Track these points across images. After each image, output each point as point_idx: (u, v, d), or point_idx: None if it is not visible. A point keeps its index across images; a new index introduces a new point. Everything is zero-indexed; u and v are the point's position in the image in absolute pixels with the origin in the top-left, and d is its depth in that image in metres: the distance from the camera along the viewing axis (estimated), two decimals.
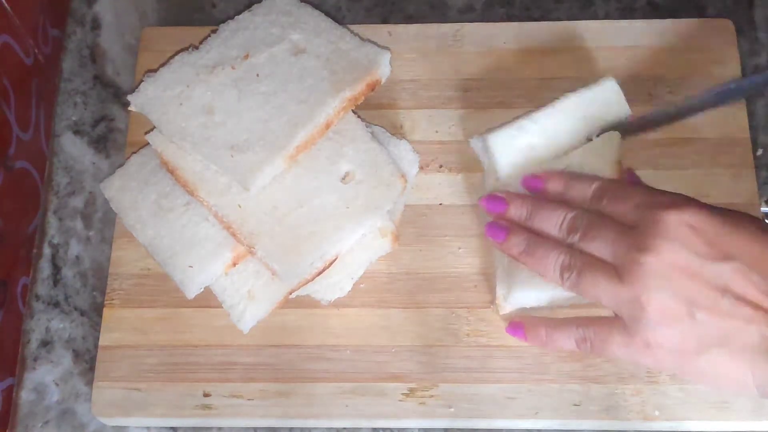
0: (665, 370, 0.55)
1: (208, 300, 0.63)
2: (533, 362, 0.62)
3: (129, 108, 0.63)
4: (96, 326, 0.67)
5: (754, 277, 0.51)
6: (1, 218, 0.68)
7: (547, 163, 0.63)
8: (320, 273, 0.61)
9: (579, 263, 0.55)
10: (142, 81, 0.64)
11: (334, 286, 0.63)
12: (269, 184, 0.60)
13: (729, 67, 0.70)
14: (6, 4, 0.69)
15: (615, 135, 0.62)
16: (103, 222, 0.70)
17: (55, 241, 0.70)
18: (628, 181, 0.62)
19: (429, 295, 0.64)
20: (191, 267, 0.60)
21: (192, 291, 0.61)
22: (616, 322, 0.55)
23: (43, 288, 0.68)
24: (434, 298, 0.64)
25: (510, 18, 0.76)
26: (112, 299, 0.65)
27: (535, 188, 0.61)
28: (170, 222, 0.62)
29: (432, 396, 0.62)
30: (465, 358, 0.62)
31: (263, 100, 0.62)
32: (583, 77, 0.67)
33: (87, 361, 0.66)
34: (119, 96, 0.74)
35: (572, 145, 0.63)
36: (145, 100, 0.62)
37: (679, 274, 0.52)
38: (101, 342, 0.64)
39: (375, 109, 0.69)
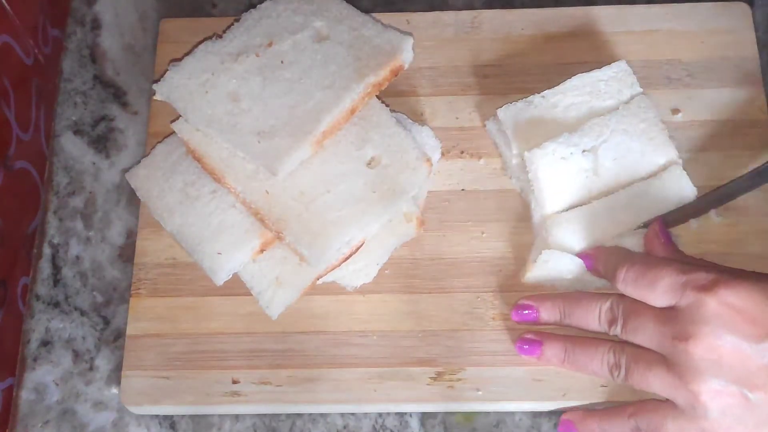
0: None
1: (233, 288, 0.64)
2: None
3: (154, 97, 0.63)
4: (96, 326, 0.67)
5: None
6: (1, 218, 0.68)
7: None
8: (347, 258, 0.61)
9: (625, 360, 0.55)
10: (166, 70, 0.64)
11: (360, 271, 0.63)
12: (296, 169, 0.60)
13: (746, 50, 0.70)
14: (6, 4, 0.69)
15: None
16: (103, 222, 0.70)
17: (55, 241, 0.70)
18: (659, 234, 0.60)
19: (454, 279, 0.64)
20: (220, 254, 0.61)
21: (221, 278, 0.61)
22: (668, 407, 0.54)
23: (43, 288, 0.68)
24: (459, 283, 0.64)
25: None
26: (138, 289, 0.65)
27: (589, 266, 0.60)
28: (197, 210, 0.62)
29: (460, 380, 0.62)
30: (491, 341, 0.63)
31: (288, 86, 0.62)
32: (600, 62, 0.68)
33: (87, 361, 0.66)
34: (119, 96, 0.74)
35: (581, 119, 0.64)
36: (170, 88, 0.63)
37: (727, 358, 0.51)
38: (128, 332, 0.64)
39: (395, 96, 0.69)
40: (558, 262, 0.61)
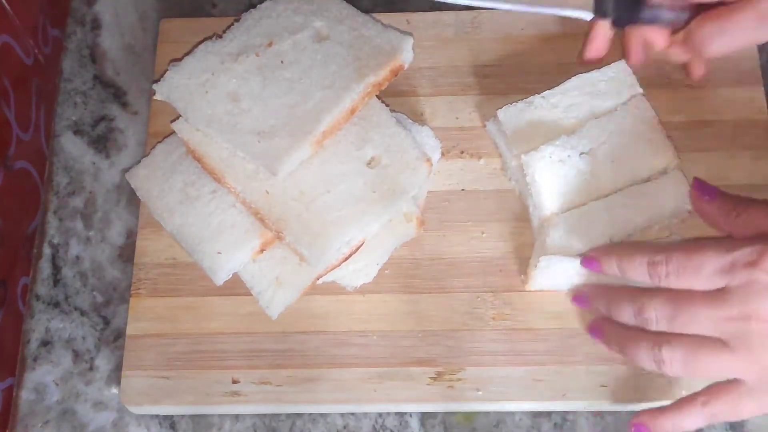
0: None
1: (233, 288, 0.64)
2: (560, 344, 0.62)
3: (154, 97, 0.63)
4: (96, 326, 0.67)
5: None
6: (1, 218, 0.68)
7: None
8: (347, 258, 0.61)
9: (679, 353, 0.54)
10: (166, 70, 0.64)
11: (360, 271, 0.63)
12: (296, 169, 0.61)
13: (745, 50, 0.70)
14: (6, 4, 0.69)
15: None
16: (103, 222, 0.70)
17: (55, 241, 0.70)
18: (699, 193, 0.60)
19: (454, 279, 0.64)
20: (220, 254, 0.61)
21: (221, 277, 0.61)
22: (739, 387, 0.53)
23: (43, 288, 0.68)
24: (459, 283, 0.64)
25: None
26: (138, 289, 0.65)
27: (594, 270, 0.59)
28: (197, 209, 0.63)
29: (460, 379, 0.62)
30: (492, 341, 0.63)
31: (288, 86, 0.62)
32: (600, 61, 0.68)
33: (87, 361, 0.66)
34: (119, 96, 0.74)
35: (582, 119, 0.64)
36: (170, 88, 0.63)
37: None
38: (128, 332, 0.64)
39: (395, 96, 0.69)
40: (558, 267, 0.61)
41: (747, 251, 0.52)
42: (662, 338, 0.55)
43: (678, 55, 0.66)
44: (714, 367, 0.53)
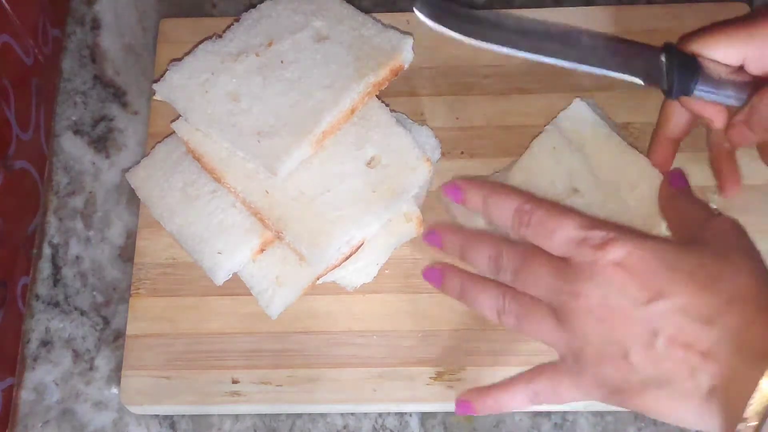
0: (614, 406, 0.53)
1: (233, 288, 0.63)
2: None
3: (154, 97, 0.63)
4: (96, 326, 0.67)
5: (687, 317, 0.49)
6: (1, 218, 0.68)
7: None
8: (347, 258, 0.61)
9: (515, 307, 0.54)
10: (166, 70, 0.64)
11: (360, 271, 0.63)
12: (296, 169, 0.61)
13: None
14: (6, 4, 0.69)
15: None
16: (103, 222, 0.70)
17: (55, 241, 0.70)
18: (670, 181, 0.60)
19: None
20: (220, 253, 0.61)
21: (221, 277, 0.61)
22: (561, 365, 0.54)
23: (43, 288, 0.68)
24: None
25: None
26: (138, 289, 0.65)
27: (456, 200, 0.59)
28: (198, 209, 0.63)
29: (460, 379, 0.62)
30: (491, 341, 0.63)
31: (288, 86, 0.62)
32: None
33: (87, 361, 0.66)
34: (119, 96, 0.74)
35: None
36: (170, 88, 0.63)
37: (611, 317, 0.50)
38: (128, 332, 0.64)
39: (395, 96, 0.69)
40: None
41: (600, 234, 0.52)
42: (507, 289, 0.55)
43: (739, 136, 0.60)
44: (540, 329, 0.53)
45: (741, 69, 0.59)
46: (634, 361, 0.50)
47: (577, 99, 0.66)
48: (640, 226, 0.59)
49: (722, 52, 0.59)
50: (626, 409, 0.54)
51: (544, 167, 0.64)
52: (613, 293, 0.51)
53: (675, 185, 0.60)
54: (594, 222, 0.54)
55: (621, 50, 0.61)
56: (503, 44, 0.60)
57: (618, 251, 0.51)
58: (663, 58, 0.60)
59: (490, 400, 0.56)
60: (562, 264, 0.53)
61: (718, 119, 0.60)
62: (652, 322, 0.50)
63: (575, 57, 0.60)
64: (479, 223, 0.62)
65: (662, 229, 0.61)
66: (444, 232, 0.59)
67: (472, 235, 0.58)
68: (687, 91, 0.59)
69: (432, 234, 0.59)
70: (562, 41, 0.60)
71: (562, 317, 0.52)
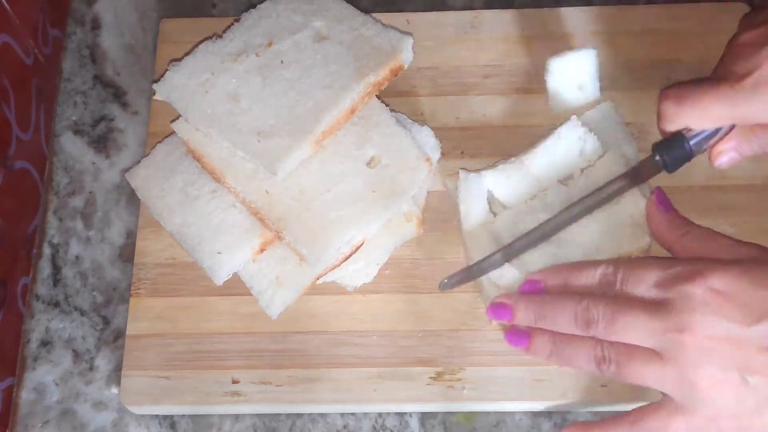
0: None
1: (233, 288, 0.64)
2: None
3: (154, 97, 0.63)
4: (96, 326, 0.67)
5: None
6: (1, 218, 0.68)
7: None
8: (347, 258, 0.61)
9: (615, 354, 0.54)
10: (166, 70, 0.64)
11: (360, 271, 0.63)
12: (296, 169, 0.61)
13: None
14: (6, 4, 0.69)
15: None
16: (103, 222, 0.70)
17: (55, 241, 0.70)
18: (656, 202, 0.61)
19: None
20: (220, 253, 0.61)
21: (221, 277, 0.61)
22: (667, 405, 0.54)
23: (43, 288, 0.68)
24: None
25: None
26: (138, 289, 0.65)
27: (535, 292, 0.59)
28: (197, 209, 0.63)
29: (459, 380, 0.62)
30: (491, 341, 0.63)
31: (288, 86, 0.62)
32: (602, 62, 0.68)
33: (87, 361, 0.66)
34: (119, 96, 0.74)
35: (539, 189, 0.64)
36: (170, 88, 0.63)
37: (722, 344, 0.51)
38: (128, 332, 0.64)
39: (395, 96, 0.69)
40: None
41: (687, 268, 0.53)
42: (601, 340, 0.55)
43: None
44: (645, 373, 0.53)
45: None
46: (752, 383, 0.51)
47: (608, 101, 0.67)
48: (629, 234, 0.62)
49: (711, 125, 0.60)
50: None
51: (565, 154, 0.64)
52: (718, 321, 0.51)
53: (658, 204, 0.61)
54: (675, 260, 0.55)
55: (625, 182, 0.62)
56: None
57: (712, 279, 0.52)
58: (657, 158, 0.61)
59: None
60: (657, 305, 0.53)
61: (739, 151, 0.62)
62: (765, 340, 0.50)
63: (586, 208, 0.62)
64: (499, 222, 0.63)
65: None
66: (516, 302, 0.59)
67: (547, 299, 0.58)
68: (684, 159, 0.61)
69: (500, 308, 0.59)
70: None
71: (668, 355, 0.52)
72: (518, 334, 0.59)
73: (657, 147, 0.61)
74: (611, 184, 0.62)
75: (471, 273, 0.62)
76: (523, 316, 0.58)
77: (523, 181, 0.64)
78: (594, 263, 0.58)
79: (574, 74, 0.67)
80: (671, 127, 0.60)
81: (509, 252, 0.61)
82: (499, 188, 0.64)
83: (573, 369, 0.58)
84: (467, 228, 0.63)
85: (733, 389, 0.51)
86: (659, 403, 0.55)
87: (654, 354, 0.53)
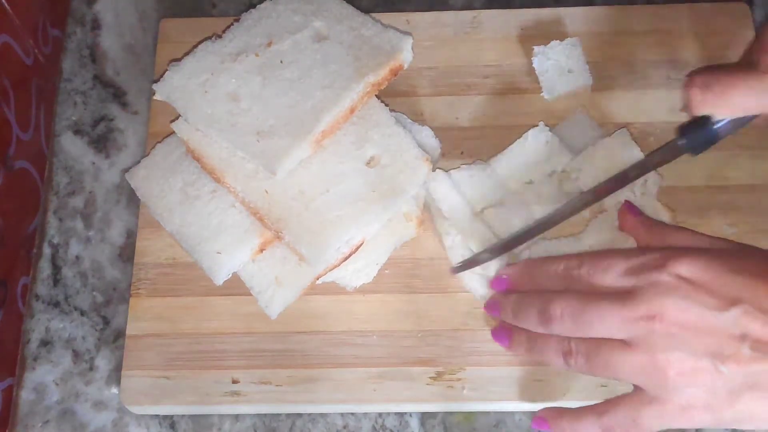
0: (704, 426, 0.52)
1: (233, 288, 0.64)
2: None
3: (154, 97, 0.64)
4: (96, 326, 0.67)
5: (766, 315, 0.49)
6: (1, 218, 0.68)
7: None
8: (346, 258, 0.61)
9: (583, 348, 0.54)
10: (166, 70, 0.64)
11: (360, 271, 0.63)
12: (295, 169, 0.61)
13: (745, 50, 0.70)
14: (6, 4, 0.69)
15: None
16: (103, 222, 0.70)
17: (55, 241, 0.70)
18: (626, 212, 0.61)
19: (453, 279, 0.64)
20: (219, 253, 0.61)
21: (220, 277, 0.61)
22: (639, 396, 0.53)
23: (43, 288, 0.68)
24: (459, 283, 0.64)
25: None
26: (138, 289, 0.65)
27: (503, 291, 0.60)
28: (197, 209, 0.63)
29: (459, 379, 0.62)
30: (491, 341, 0.62)
31: (288, 86, 0.62)
32: (599, 62, 0.68)
33: (87, 361, 0.66)
34: (119, 96, 0.74)
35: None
36: (170, 88, 0.63)
37: (693, 331, 0.50)
38: (128, 332, 0.64)
39: (395, 96, 0.69)
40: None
41: (655, 255, 0.53)
42: (570, 337, 0.55)
43: None
44: (614, 364, 0.52)
45: None
46: (724, 371, 0.50)
47: (579, 110, 0.67)
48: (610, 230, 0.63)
49: (737, 115, 0.58)
50: (718, 428, 0.53)
51: (531, 157, 0.65)
52: (689, 306, 0.50)
53: (629, 210, 0.61)
54: (640, 249, 0.54)
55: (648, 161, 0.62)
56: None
57: (681, 266, 0.51)
58: (682, 141, 0.60)
59: (565, 424, 0.56)
60: (625, 295, 0.52)
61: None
62: (734, 327, 0.50)
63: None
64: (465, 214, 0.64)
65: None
66: (501, 300, 0.59)
67: (519, 296, 0.58)
68: (714, 142, 0.59)
69: (492, 304, 0.60)
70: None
71: (638, 344, 0.51)
72: (500, 332, 0.59)
73: (683, 129, 0.60)
74: (632, 169, 0.61)
75: (482, 257, 0.62)
76: (504, 314, 0.59)
77: (487, 182, 0.65)
78: (559, 258, 0.57)
79: (561, 60, 0.68)
80: (696, 113, 0.58)
81: (532, 230, 0.62)
82: (464, 187, 0.65)
83: (557, 368, 0.58)
84: (457, 219, 0.63)
85: (704, 377, 0.50)
86: (631, 393, 0.54)
87: (623, 344, 0.52)
